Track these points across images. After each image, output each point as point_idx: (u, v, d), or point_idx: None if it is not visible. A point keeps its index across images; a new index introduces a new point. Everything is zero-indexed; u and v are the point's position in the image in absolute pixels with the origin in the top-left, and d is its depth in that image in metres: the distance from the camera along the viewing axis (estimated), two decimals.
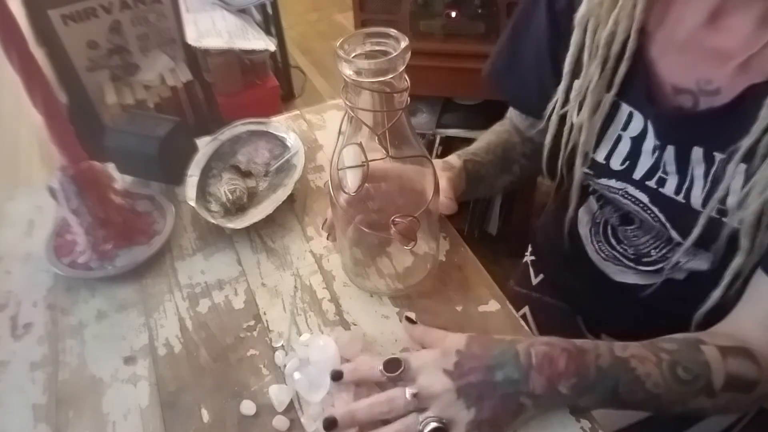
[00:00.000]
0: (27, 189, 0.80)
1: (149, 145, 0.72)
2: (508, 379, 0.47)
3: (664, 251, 0.63)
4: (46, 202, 0.69)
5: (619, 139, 0.58)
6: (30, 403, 0.55)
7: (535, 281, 0.86)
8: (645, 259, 0.66)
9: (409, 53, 0.46)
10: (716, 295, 0.54)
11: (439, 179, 0.56)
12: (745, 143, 0.47)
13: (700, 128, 0.51)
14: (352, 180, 0.52)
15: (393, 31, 0.47)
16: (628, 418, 0.67)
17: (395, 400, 0.48)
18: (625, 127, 0.57)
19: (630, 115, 0.56)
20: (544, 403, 0.48)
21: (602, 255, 0.70)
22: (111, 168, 0.73)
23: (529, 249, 0.92)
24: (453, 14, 1.37)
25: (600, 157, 0.60)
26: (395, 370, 0.49)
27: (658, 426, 0.67)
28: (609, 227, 0.69)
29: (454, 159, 0.69)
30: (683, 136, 0.52)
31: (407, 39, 0.46)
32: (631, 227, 0.66)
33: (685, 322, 0.59)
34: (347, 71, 0.45)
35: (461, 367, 0.48)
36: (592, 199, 0.71)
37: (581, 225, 0.74)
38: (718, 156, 0.50)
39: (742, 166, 0.48)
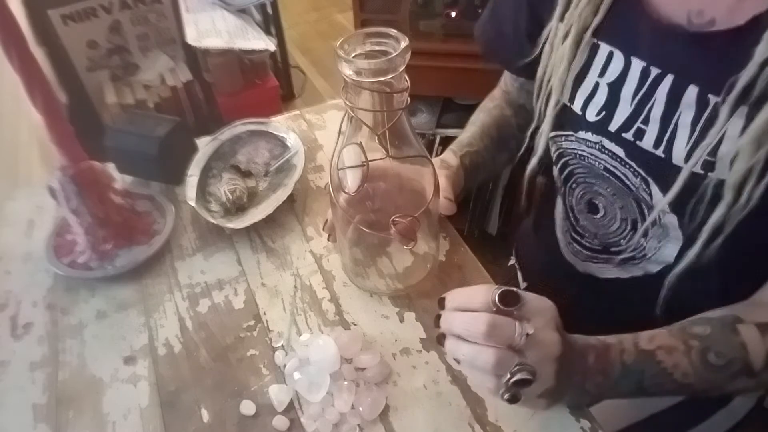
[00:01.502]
0: (27, 189, 0.80)
1: (149, 145, 0.72)
2: (572, 364, 0.46)
3: (631, 240, 0.61)
4: (46, 202, 0.69)
5: (596, 87, 0.56)
6: (30, 403, 0.55)
7: (522, 285, 0.86)
8: (613, 249, 0.64)
9: (409, 53, 0.46)
10: (692, 253, 0.51)
11: (438, 179, 0.56)
12: (744, 77, 0.43)
13: (696, 54, 0.47)
14: (351, 180, 0.52)
15: (393, 31, 0.47)
16: (629, 418, 0.66)
17: (502, 330, 0.42)
18: (602, 73, 0.55)
19: (609, 56, 0.54)
20: (573, 396, 0.48)
21: (579, 257, 0.69)
22: (111, 168, 0.73)
23: (513, 254, 0.91)
24: (453, 14, 1.37)
25: (577, 106, 0.58)
26: (512, 304, 0.43)
27: (659, 426, 0.67)
28: (578, 221, 0.68)
29: (450, 157, 0.68)
30: (679, 60, 0.49)
31: (407, 39, 0.46)
32: (598, 216, 0.64)
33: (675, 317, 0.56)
34: (347, 71, 0.45)
35: (565, 335, 0.45)
36: (565, 190, 0.68)
37: (559, 230, 0.73)
38: (713, 99, 0.46)
39: (743, 110, 0.44)
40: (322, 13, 3.06)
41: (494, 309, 0.43)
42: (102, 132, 0.74)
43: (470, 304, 0.44)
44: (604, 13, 0.53)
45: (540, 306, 0.45)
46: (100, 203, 0.66)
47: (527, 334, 0.42)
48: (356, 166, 0.50)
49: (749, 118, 0.44)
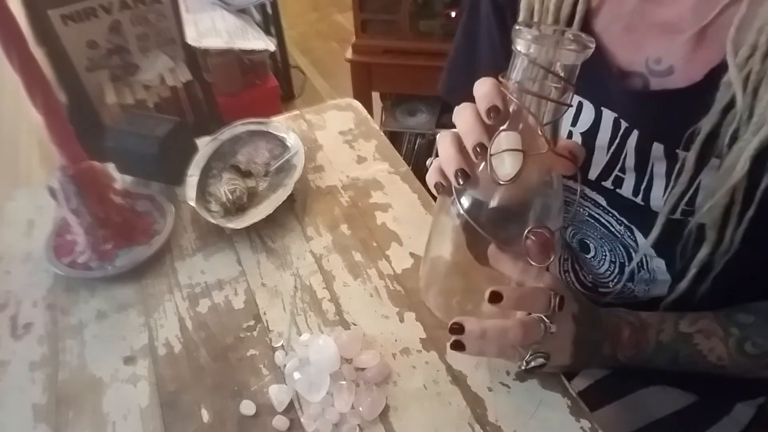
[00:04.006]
0: (27, 189, 0.80)
1: (149, 145, 0.72)
2: (595, 339, 0.50)
3: (618, 283, 0.61)
4: (46, 202, 0.69)
5: (570, 136, 0.55)
6: (30, 403, 0.55)
7: None
8: (602, 290, 0.64)
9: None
10: (682, 286, 0.52)
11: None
12: (707, 123, 0.44)
13: (658, 112, 0.48)
14: (510, 165, 0.42)
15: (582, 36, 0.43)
16: (631, 424, 0.66)
17: (531, 331, 0.46)
18: (574, 122, 0.54)
19: (579, 106, 0.53)
20: (603, 365, 0.51)
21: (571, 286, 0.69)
22: (111, 168, 0.73)
23: None
24: (453, 14, 1.37)
25: None
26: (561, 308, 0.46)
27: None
28: (572, 256, 0.68)
29: None
30: (643, 118, 0.49)
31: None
32: (589, 256, 0.64)
33: None
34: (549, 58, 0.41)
35: (582, 315, 0.48)
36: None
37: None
38: (682, 154, 0.47)
39: (715, 162, 0.45)
40: (322, 13, 3.05)
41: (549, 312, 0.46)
42: (102, 132, 0.74)
43: (529, 306, 0.46)
44: None
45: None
46: (100, 203, 0.66)
47: (552, 334, 0.46)
48: (515, 150, 0.42)
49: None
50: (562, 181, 0.47)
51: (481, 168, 0.44)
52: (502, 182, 0.42)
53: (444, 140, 0.46)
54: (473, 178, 0.44)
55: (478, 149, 0.43)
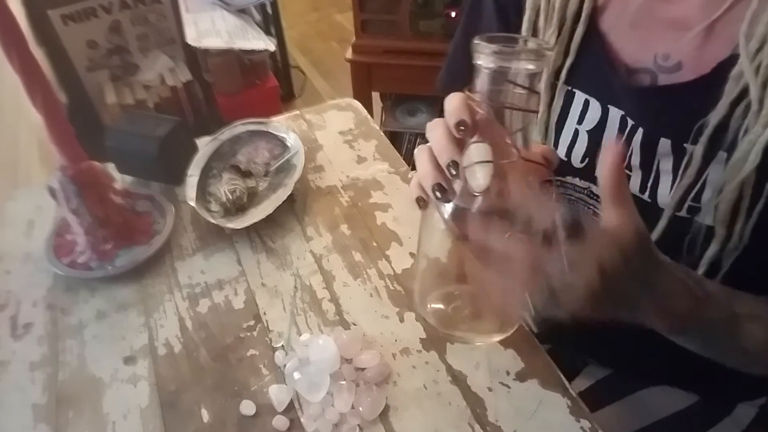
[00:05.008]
0: (27, 189, 0.80)
1: (149, 145, 0.72)
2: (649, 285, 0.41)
3: None
4: (46, 202, 0.69)
5: (576, 134, 0.56)
6: (30, 403, 0.55)
7: None
8: None
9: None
10: None
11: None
12: (714, 117, 0.44)
13: (665, 107, 0.48)
14: (482, 176, 0.43)
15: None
16: (632, 425, 0.66)
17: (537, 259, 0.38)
18: (580, 120, 0.55)
19: (586, 104, 0.54)
20: (643, 326, 0.43)
21: None
22: (111, 168, 0.73)
23: None
24: (453, 14, 1.37)
25: (561, 153, 0.57)
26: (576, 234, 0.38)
27: None
28: None
29: None
30: (649, 114, 0.49)
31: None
32: None
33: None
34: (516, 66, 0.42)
35: (614, 270, 0.37)
36: None
37: None
38: (690, 148, 0.47)
39: (723, 155, 0.45)
40: (322, 14, 3.05)
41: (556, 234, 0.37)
42: (102, 132, 0.74)
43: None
44: (575, 54, 0.53)
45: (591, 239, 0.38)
46: (100, 203, 0.66)
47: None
48: (486, 162, 0.43)
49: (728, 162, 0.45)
50: (539, 185, 0.47)
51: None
52: (475, 194, 0.43)
53: (421, 156, 0.46)
54: (451, 191, 0.45)
55: (451, 167, 0.43)
